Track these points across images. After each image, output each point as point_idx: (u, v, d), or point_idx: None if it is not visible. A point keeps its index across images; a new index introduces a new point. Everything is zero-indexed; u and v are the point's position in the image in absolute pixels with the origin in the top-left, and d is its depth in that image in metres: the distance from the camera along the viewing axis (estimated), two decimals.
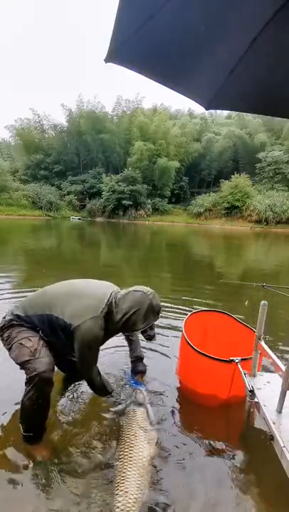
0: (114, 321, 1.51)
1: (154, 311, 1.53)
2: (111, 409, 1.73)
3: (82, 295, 1.54)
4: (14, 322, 1.56)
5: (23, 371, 1.44)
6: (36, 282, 4.45)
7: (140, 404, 1.68)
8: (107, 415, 1.70)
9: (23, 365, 1.44)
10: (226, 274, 6.75)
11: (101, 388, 1.64)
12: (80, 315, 1.45)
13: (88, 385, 1.64)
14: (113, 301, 1.53)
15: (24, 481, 1.30)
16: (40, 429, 1.49)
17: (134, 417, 1.58)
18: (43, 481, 1.30)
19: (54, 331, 1.52)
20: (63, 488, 1.27)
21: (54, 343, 1.54)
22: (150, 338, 1.62)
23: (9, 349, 1.52)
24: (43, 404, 1.44)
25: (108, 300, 1.52)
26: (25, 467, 1.37)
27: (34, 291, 1.72)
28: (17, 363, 1.47)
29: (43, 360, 1.43)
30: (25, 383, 1.42)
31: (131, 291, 1.55)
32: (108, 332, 1.54)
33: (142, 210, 32.31)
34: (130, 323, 1.51)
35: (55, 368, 1.57)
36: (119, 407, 1.72)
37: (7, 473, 1.34)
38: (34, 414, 1.45)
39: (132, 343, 2.05)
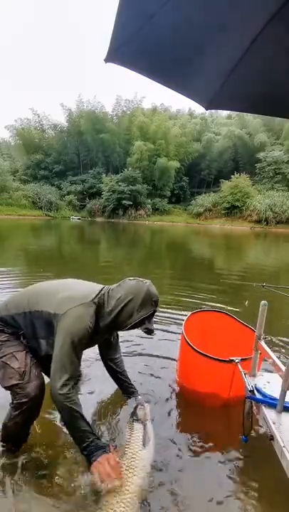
0: (105, 314, 1.36)
1: (151, 300, 1.37)
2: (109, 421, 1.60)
3: (70, 289, 1.41)
4: None
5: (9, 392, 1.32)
6: (33, 282, 4.44)
7: (139, 420, 1.51)
8: (103, 427, 1.64)
9: (10, 388, 1.30)
10: (225, 274, 6.75)
11: (73, 415, 1.21)
12: (68, 303, 1.31)
13: (55, 404, 1.22)
14: (105, 293, 1.39)
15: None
16: (23, 442, 1.40)
17: (130, 434, 1.43)
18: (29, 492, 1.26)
19: (37, 333, 1.37)
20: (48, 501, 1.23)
21: (37, 350, 1.39)
22: (149, 331, 1.39)
23: None
24: (29, 425, 1.36)
25: (100, 291, 1.39)
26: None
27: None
28: (3, 387, 1.32)
29: (34, 383, 1.29)
30: (12, 407, 1.30)
31: (125, 280, 1.42)
32: (98, 329, 1.37)
33: (141, 210, 32.36)
34: (125, 312, 1.34)
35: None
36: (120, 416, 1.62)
37: None
38: (19, 435, 1.37)
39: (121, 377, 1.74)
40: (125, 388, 1.74)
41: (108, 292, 1.40)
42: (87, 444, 1.21)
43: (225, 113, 41.10)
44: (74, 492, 1.24)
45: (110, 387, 1.86)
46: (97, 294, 1.38)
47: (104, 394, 1.90)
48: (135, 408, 1.57)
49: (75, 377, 1.27)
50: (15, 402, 1.29)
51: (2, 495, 1.23)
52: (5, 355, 1.33)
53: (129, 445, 1.36)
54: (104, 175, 33.46)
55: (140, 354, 2.49)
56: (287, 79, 1.19)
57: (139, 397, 1.71)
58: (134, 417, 1.51)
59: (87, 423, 1.24)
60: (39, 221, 25.89)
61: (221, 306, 3.89)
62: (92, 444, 1.22)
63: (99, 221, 30.95)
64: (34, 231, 17.10)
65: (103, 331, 1.40)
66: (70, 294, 1.36)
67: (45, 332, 1.35)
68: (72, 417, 1.21)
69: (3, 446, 1.40)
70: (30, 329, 1.38)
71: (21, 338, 1.40)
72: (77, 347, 1.26)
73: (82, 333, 1.27)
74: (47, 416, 1.64)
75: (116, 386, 1.79)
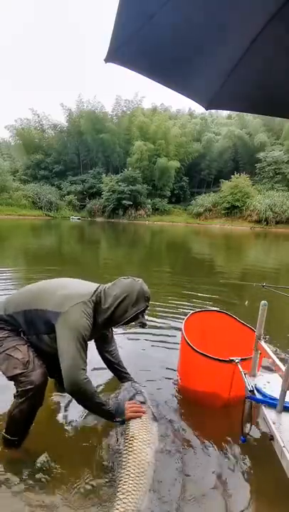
0: (102, 311, 1.45)
1: (144, 296, 1.49)
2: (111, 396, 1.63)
3: (69, 288, 1.47)
4: None
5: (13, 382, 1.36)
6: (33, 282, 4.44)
7: (142, 402, 1.60)
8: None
9: (14, 378, 1.34)
10: (226, 274, 6.75)
11: (92, 398, 1.35)
12: (68, 301, 1.37)
13: (73, 394, 1.34)
14: (101, 291, 1.48)
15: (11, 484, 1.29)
16: (25, 434, 1.42)
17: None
18: (39, 483, 1.28)
19: (37, 330, 1.42)
20: (57, 491, 1.26)
21: (38, 346, 1.45)
22: (143, 325, 1.52)
23: None
24: (34, 414, 1.38)
25: (96, 290, 1.48)
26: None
27: None
28: (8, 376, 1.36)
29: (38, 371, 1.35)
30: (17, 396, 1.34)
31: (120, 279, 1.53)
32: (96, 325, 1.45)
33: (141, 210, 32.37)
34: (121, 308, 1.45)
35: None
36: (120, 397, 1.63)
37: None
38: (24, 424, 1.39)
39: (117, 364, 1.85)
40: (123, 377, 1.84)
41: (104, 290, 1.49)
42: (113, 412, 1.42)
43: (225, 113, 41.18)
44: (76, 489, 1.25)
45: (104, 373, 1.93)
46: (94, 292, 1.47)
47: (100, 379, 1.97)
48: (134, 393, 1.63)
49: (86, 367, 1.35)
50: (20, 390, 1.32)
51: (4, 490, 1.24)
52: (8, 348, 1.38)
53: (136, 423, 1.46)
54: (104, 175, 33.45)
55: (140, 354, 2.49)
56: (287, 79, 1.19)
57: (136, 384, 1.78)
58: (138, 399, 1.59)
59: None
60: (39, 221, 25.90)
61: (221, 306, 3.89)
62: (115, 409, 1.44)
63: (99, 221, 30.96)
64: (34, 231, 17.11)
65: (100, 326, 1.49)
66: (69, 293, 1.43)
67: (46, 329, 1.40)
68: (94, 397, 1.35)
69: (5, 439, 1.40)
70: (32, 326, 1.43)
71: (22, 335, 1.45)
72: (84, 341, 1.34)
73: (85, 328, 1.35)
74: (49, 413, 1.65)
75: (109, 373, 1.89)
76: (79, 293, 1.44)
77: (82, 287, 1.51)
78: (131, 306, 1.46)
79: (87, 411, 1.68)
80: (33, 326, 1.43)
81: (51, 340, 1.41)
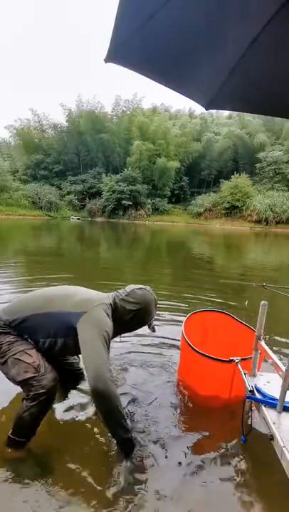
0: (117, 319, 1.49)
1: (155, 306, 1.60)
2: None
3: (84, 293, 1.53)
4: (0, 330, 1.42)
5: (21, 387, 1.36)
6: (35, 281, 4.45)
7: None
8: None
9: (25, 382, 1.33)
10: (225, 274, 6.75)
11: (115, 401, 1.26)
12: (90, 302, 1.42)
13: (96, 393, 1.24)
14: (115, 298, 1.55)
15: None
16: (32, 436, 1.41)
17: None
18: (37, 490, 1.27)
19: (52, 333, 1.42)
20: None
21: (47, 350, 1.44)
22: (154, 329, 1.64)
23: (2, 363, 1.39)
24: (43, 417, 1.38)
25: (113, 298, 1.54)
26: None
27: (27, 291, 1.67)
28: (17, 381, 1.35)
29: (49, 376, 1.35)
30: (27, 399, 1.33)
31: (133, 289, 1.58)
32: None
33: (141, 210, 32.37)
34: (136, 319, 1.55)
35: None
36: None
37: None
38: (32, 427, 1.38)
39: None
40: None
41: (118, 300, 1.54)
42: (131, 437, 1.36)
43: (225, 113, 41.15)
44: (78, 488, 1.25)
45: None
46: (112, 299, 1.53)
47: None
48: None
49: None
50: (31, 394, 1.32)
51: (6, 490, 1.24)
52: (17, 353, 1.37)
53: None
54: (104, 175, 33.47)
55: (140, 354, 2.49)
56: (287, 79, 1.19)
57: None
58: None
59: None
60: (39, 221, 25.89)
61: (221, 305, 3.89)
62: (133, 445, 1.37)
63: (99, 221, 30.96)
64: (34, 231, 17.11)
65: (116, 333, 1.53)
66: (89, 296, 1.49)
67: (64, 331, 1.41)
68: (118, 402, 1.28)
69: (11, 440, 1.40)
70: (45, 330, 1.43)
71: (28, 340, 1.44)
72: (109, 339, 1.37)
73: (109, 327, 1.39)
74: (52, 413, 1.65)
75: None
76: (99, 297, 1.51)
77: (98, 293, 1.58)
78: (146, 317, 1.57)
79: (88, 411, 1.69)
80: (48, 329, 1.42)
81: (66, 344, 1.42)
